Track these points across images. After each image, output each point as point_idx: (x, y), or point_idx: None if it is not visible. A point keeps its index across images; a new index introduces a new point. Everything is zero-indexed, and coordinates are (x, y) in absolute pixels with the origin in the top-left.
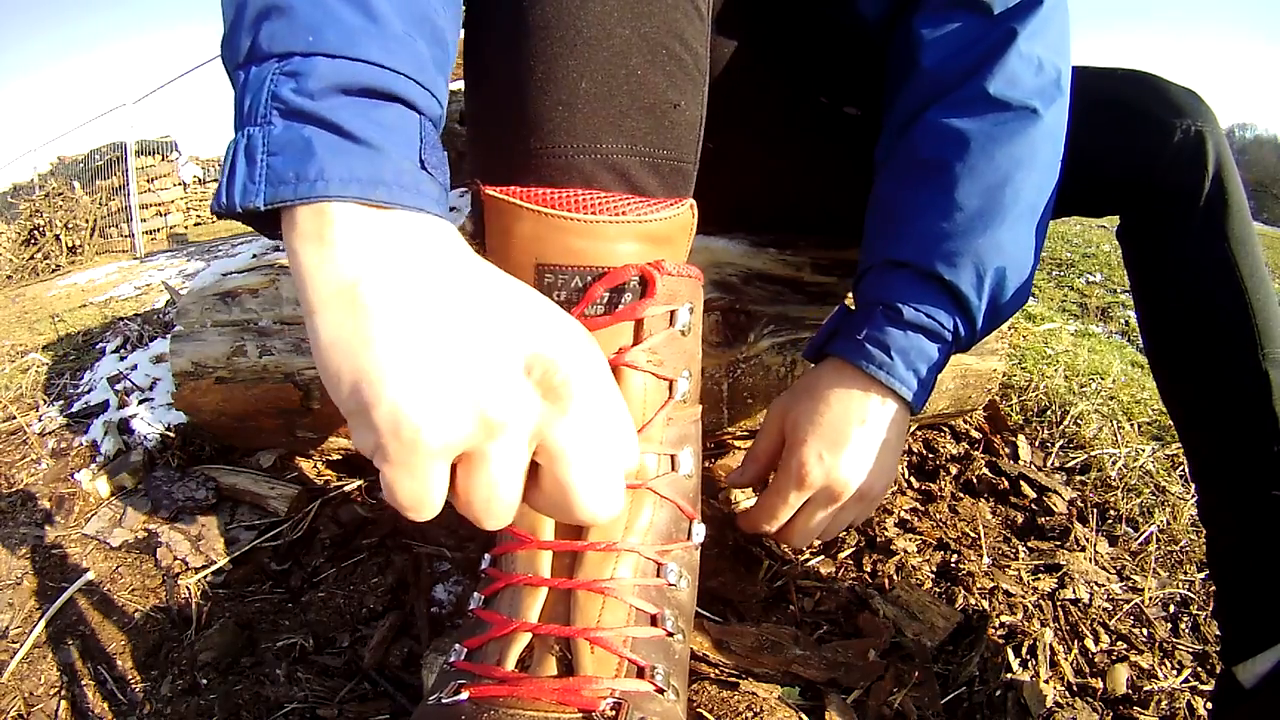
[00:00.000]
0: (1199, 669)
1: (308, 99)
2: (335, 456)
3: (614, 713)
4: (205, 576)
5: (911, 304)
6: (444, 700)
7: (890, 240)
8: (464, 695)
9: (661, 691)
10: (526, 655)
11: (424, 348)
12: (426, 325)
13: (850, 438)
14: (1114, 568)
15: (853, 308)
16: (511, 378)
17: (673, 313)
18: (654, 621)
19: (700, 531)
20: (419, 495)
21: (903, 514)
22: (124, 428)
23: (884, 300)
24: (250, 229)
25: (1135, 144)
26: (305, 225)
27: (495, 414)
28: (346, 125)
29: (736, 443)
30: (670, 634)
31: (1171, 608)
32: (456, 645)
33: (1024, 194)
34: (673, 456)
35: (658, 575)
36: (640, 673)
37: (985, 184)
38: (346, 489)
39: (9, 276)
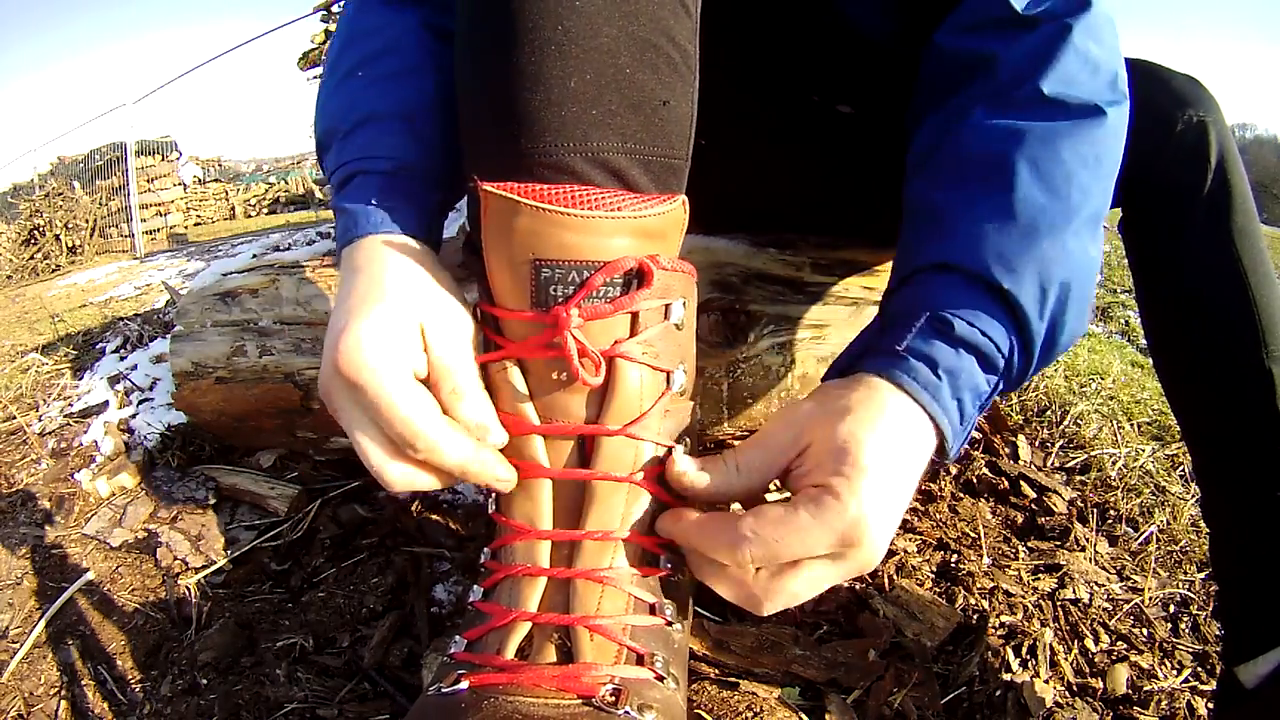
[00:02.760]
0: (1199, 669)
1: (334, 198)
2: (335, 456)
3: (614, 699)
4: (205, 576)
5: (964, 317)
6: (444, 690)
7: (935, 242)
8: (464, 684)
9: (661, 679)
10: (526, 644)
11: (346, 304)
12: (353, 294)
13: (890, 478)
14: (1114, 568)
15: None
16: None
17: (667, 306)
18: (653, 610)
19: None
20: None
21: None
22: (124, 428)
23: (931, 308)
24: (252, 231)
25: (1137, 135)
26: (343, 254)
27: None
28: (339, 204)
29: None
30: (669, 623)
31: (1171, 608)
32: (457, 637)
33: (1093, 198)
34: (669, 448)
35: (656, 565)
36: (640, 660)
37: (1050, 180)
38: (346, 489)
39: (9, 276)
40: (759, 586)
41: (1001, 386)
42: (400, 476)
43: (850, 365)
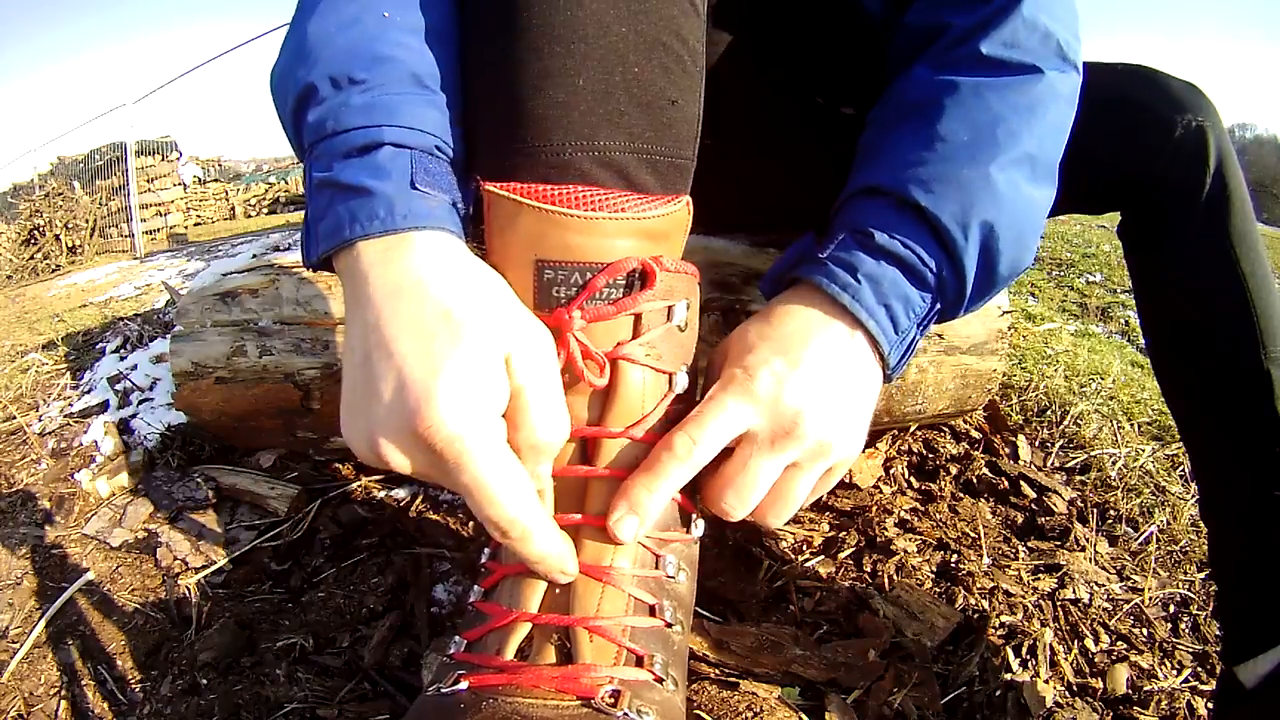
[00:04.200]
0: (1199, 669)
1: (326, 172)
2: (335, 456)
3: (613, 700)
4: (205, 576)
5: (885, 229)
6: (443, 690)
7: (863, 172)
8: (463, 685)
9: (660, 680)
10: (526, 645)
11: (412, 344)
12: (412, 325)
13: (807, 360)
14: (1114, 568)
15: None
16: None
17: (670, 308)
18: (652, 612)
19: (699, 526)
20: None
21: (903, 514)
22: (124, 428)
23: (854, 226)
24: (252, 231)
25: (1136, 139)
26: (340, 266)
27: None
28: (348, 180)
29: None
30: (669, 624)
31: (1171, 608)
32: (456, 638)
33: (1022, 140)
34: None
35: (656, 567)
36: (639, 661)
37: (975, 120)
38: (346, 489)
39: (9, 276)
40: (724, 487)
41: (939, 307)
42: (499, 536)
43: (776, 279)
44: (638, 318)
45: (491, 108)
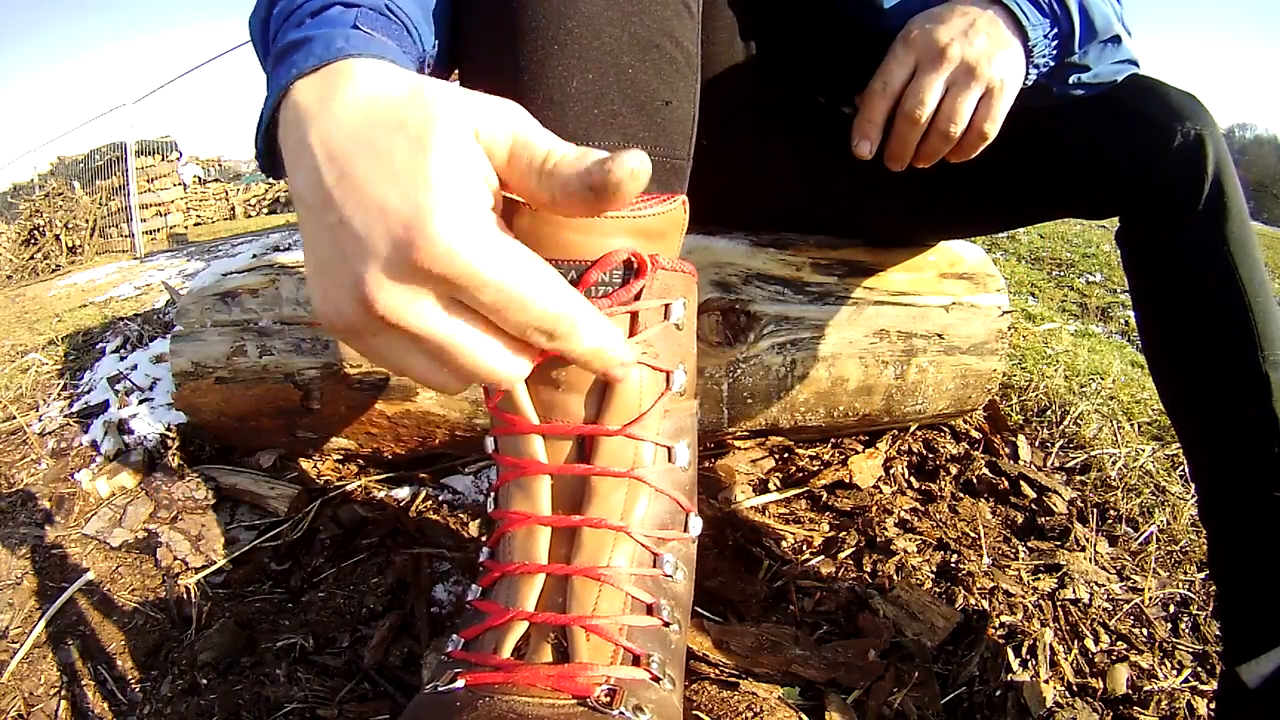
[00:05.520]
0: (1199, 669)
1: (281, 38)
2: (335, 456)
3: (609, 699)
4: (205, 576)
5: None
6: (440, 688)
7: None
8: (460, 683)
9: (657, 680)
10: (523, 644)
11: (376, 168)
12: (369, 150)
13: (955, 15)
14: (1114, 568)
15: None
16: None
17: (667, 306)
18: (650, 611)
19: (697, 525)
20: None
21: (903, 514)
22: (124, 428)
23: None
24: (252, 231)
25: (1135, 147)
26: (281, 124)
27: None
28: (291, 39)
29: (737, 443)
30: (666, 624)
31: (1171, 608)
32: (454, 636)
33: None
34: (669, 448)
35: (654, 565)
36: (636, 660)
37: None
38: (347, 489)
39: (9, 276)
40: (907, 99)
41: (1057, 30)
42: (522, 371)
43: None
44: (634, 316)
45: None
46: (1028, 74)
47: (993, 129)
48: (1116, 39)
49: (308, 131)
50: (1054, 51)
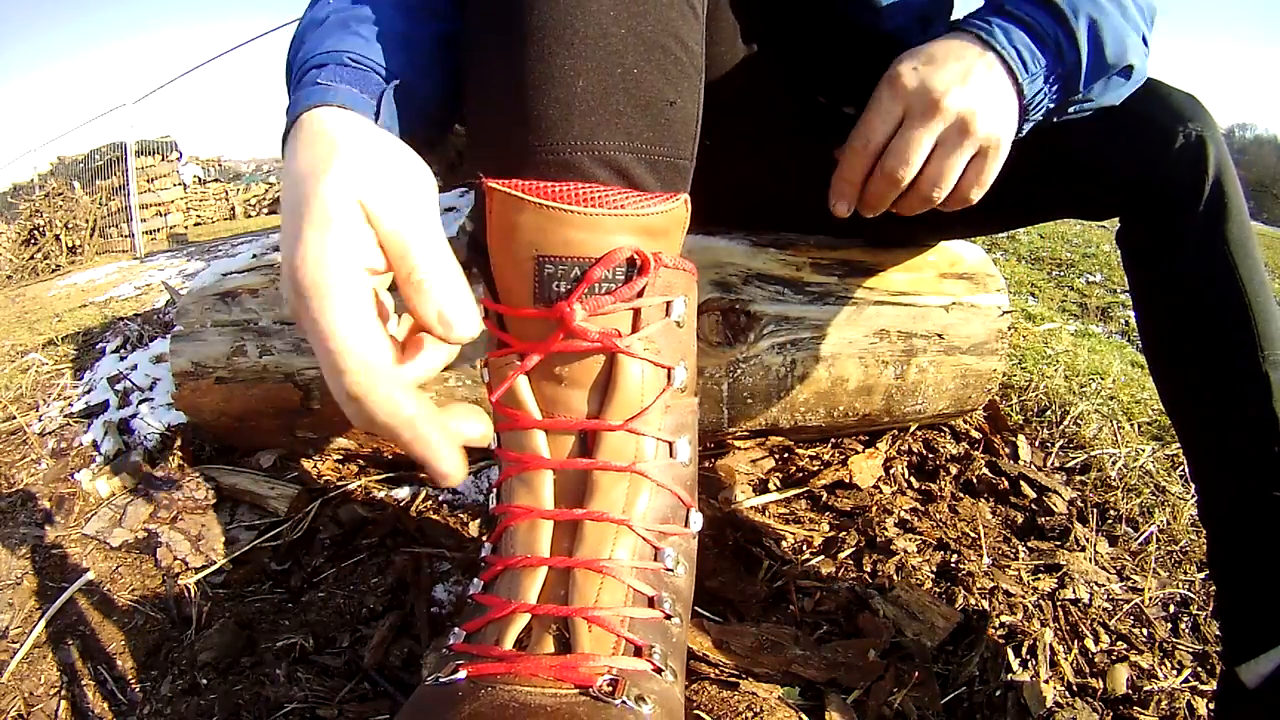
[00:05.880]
0: (1199, 669)
1: (296, 81)
2: (335, 456)
3: (611, 689)
4: (205, 576)
5: (1013, 5)
6: (441, 680)
7: None
8: (461, 674)
9: (659, 671)
10: (525, 635)
11: (287, 208)
12: (287, 192)
13: (944, 58)
14: (1114, 568)
15: None
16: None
17: (669, 303)
18: (651, 603)
19: (698, 520)
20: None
21: (903, 514)
22: (124, 428)
23: (986, 5)
24: (252, 231)
25: (1136, 148)
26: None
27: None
28: (290, 97)
29: (737, 443)
30: (668, 616)
31: (1171, 608)
32: (456, 629)
33: None
34: (670, 444)
35: (655, 559)
36: (638, 652)
37: None
38: (347, 489)
39: (9, 276)
40: (890, 158)
41: (1060, 69)
42: (343, 398)
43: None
44: (636, 312)
45: (493, 107)
46: (1021, 129)
47: (979, 195)
48: (1128, 70)
49: (286, 162)
50: (1055, 95)
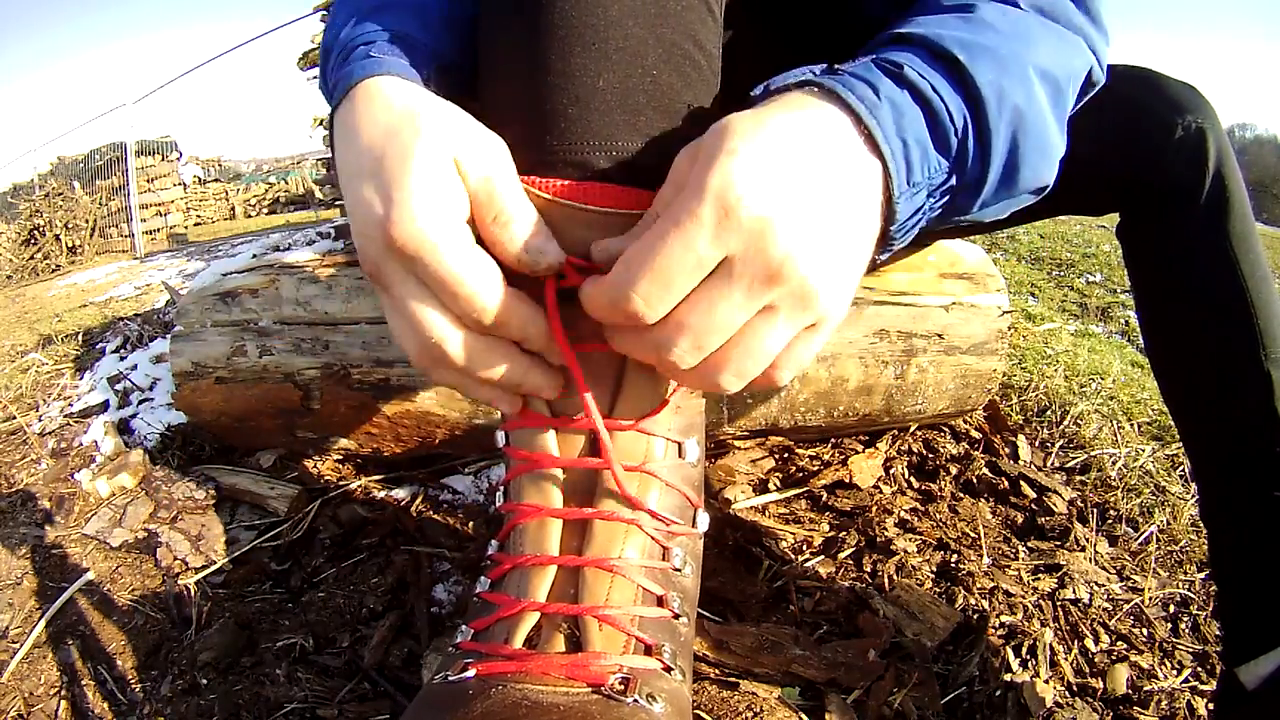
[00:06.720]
0: (1199, 669)
1: (332, 74)
2: (335, 456)
3: (622, 687)
4: (205, 576)
5: (916, 69)
6: (450, 678)
7: (892, 29)
8: (471, 673)
9: (669, 669)
10: (534, 634)
11: (373, 164)
12: (371, 150)
13: (791, 158)
14: (1114, 568)
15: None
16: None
17: None
18: (660, 602)
19: (704, 520)
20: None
21: (903, 514)
22: (124, 428)
23: (881, 57)
24: (252, 231)
25: (1136, 141)
26: (335, 118)
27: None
28: (338, 73)
29: (737, 443)
30: (676, 615)
31: (1171, 608)
32: (463, 627)
33: (1054, 64)
34: (680, 444)
35: (664, 558)
36: (648, 650)
37: (1014, 23)
38: (347, 489)
39: (9, 276)
40: (670, 343)
41: (954, 182)
42: (462, 352)
43: (782, 84)
44: None
45: (508, 107)
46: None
47: (786, 380)
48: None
49: (344, 136)
50: (933, 213)
